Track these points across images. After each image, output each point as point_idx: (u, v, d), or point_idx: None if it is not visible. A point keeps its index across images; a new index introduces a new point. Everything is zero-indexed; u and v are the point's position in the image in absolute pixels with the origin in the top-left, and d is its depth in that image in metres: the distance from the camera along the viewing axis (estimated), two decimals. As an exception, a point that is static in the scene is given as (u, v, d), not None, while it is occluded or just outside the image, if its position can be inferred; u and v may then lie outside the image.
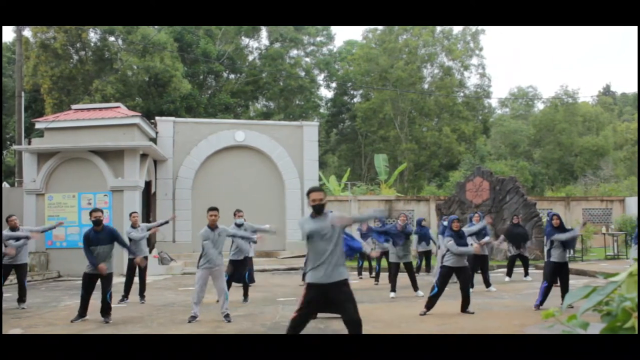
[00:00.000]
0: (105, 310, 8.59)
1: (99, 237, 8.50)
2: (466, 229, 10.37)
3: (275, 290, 12.00)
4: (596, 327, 1.70)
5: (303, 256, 18.48)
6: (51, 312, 9.78)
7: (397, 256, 10.96)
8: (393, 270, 11.05)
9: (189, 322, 8.32)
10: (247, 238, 10.02)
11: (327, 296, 5.22)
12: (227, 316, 8.42)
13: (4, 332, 7.85)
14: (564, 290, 9.08)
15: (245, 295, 10.61)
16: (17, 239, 10.05)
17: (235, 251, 10.45)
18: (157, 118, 19.97)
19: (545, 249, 9.64)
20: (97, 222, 8.53)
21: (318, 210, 5.35)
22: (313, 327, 7.91)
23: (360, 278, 14.23)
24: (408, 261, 10.98)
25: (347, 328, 5.22)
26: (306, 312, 5.29)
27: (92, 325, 8.41)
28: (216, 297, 9.45)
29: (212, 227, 8.51)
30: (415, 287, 11.01)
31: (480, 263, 11.94)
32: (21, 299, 10.17)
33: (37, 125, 17.48)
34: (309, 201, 5.37)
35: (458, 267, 8.85)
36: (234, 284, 10.51)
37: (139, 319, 8.79)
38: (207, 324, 8.20)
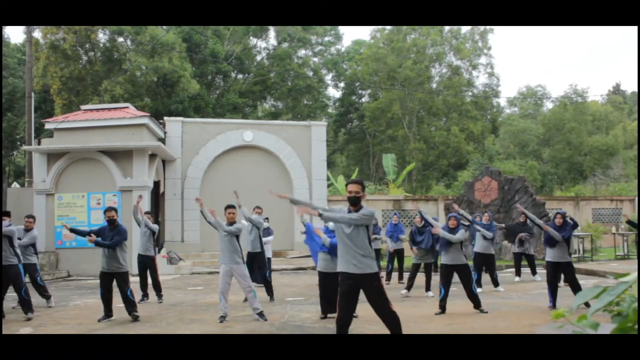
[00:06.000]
0: (131, 306, 8.63)
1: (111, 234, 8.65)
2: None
3: (284, 290, 12.00)
4: (607, 328, 1.68)
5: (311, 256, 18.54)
6: (60, 311, 9.83)
7: (418, 256, 11.08)
8: (413, 271, 11.15)
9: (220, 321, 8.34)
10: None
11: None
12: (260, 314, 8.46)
13: (15, 332, 7.91)
14: (573, 288, 9.02)
15: (270, 294, 10.64)
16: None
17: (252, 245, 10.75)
18: (165, 118, 20.06)
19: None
20: (111, 222, 8.68)
21: (352, 202, 5.38)
22: (322, 327, 7.90)
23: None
24: (429, 261, 11.07)
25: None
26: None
27: (101, 324, 8.45)
28: (237, 296, 9.76)
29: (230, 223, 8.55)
30: (427, 287, 11.02)
31: (486, 263, 11.90)
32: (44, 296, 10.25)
33: (47, 126, 17.59)
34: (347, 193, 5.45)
35: (455, 264, 8.79)
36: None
37: (147, 318, 8.82)
38: (215, 324, 8.21)
